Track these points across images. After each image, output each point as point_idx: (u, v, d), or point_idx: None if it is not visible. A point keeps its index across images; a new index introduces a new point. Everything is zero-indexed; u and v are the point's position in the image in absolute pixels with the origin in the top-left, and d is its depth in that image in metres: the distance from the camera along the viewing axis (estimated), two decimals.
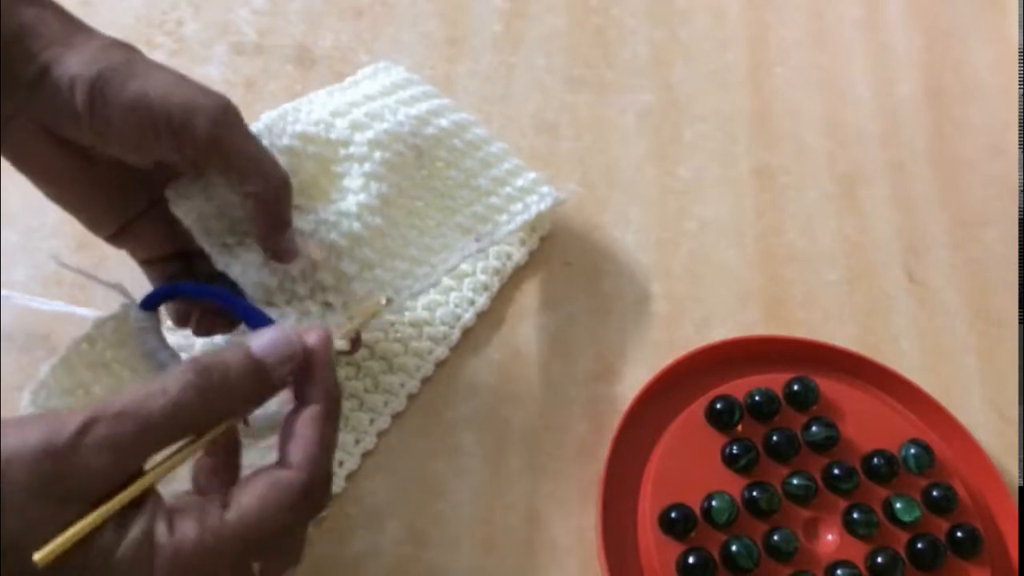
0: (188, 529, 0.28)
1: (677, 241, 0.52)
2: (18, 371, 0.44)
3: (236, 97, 0.54)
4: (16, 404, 0.36)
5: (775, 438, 0.43)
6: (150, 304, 0.38)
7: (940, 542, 0.40)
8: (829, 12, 0.63)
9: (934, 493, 0.42)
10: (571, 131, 0.56)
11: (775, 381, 0.44)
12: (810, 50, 0.61)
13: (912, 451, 0.43)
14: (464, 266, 0.49)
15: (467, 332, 0.48)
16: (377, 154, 0.42)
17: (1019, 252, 0.52)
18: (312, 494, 0.30)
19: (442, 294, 0.48)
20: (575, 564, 0.42)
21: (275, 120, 0.40)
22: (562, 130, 0.56)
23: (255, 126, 0.39)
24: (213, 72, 0.56)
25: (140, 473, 0.28)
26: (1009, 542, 0.42)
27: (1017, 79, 0.60)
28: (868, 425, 0.44)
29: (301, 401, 0.32)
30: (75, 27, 0.36)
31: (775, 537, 0.40)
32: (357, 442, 0.44)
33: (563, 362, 0.47)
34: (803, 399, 0.44)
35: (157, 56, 0.56)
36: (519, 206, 0.48)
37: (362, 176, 0.41)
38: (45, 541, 0.25)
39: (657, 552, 0.40)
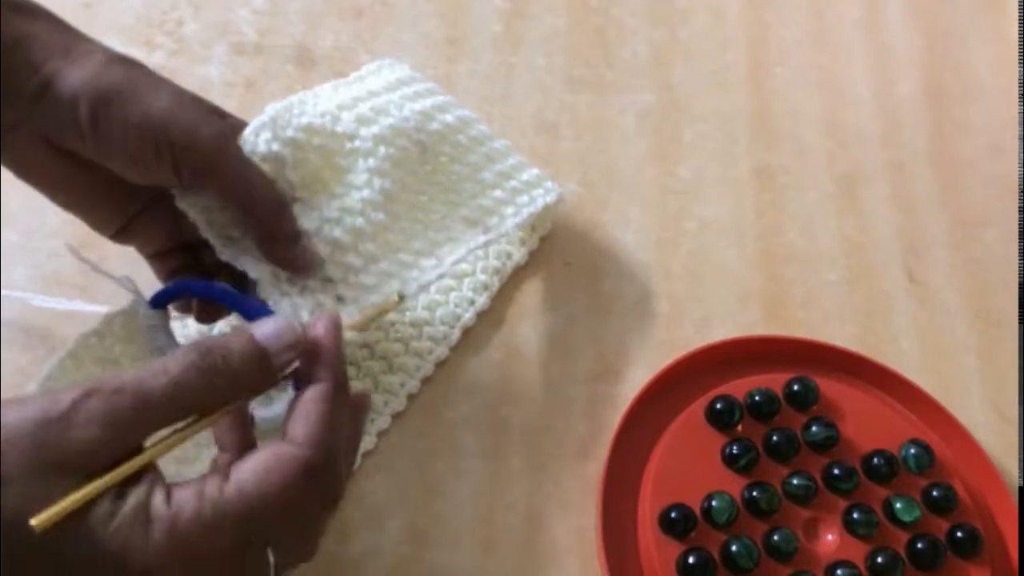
0: (186, 501, 0.27)
1: (677, 241, 0.52)
2: (18, 371, 0.44)
3: (236, 97, 0.55)
4: None
5: (775, 438, 0.43)
6: (159, 302, 0.38)
7: (940, 542, 0.40)
8: (829, 12, 0.63)
9: (934, 493, 0.42)
10: (571, 131, 0.56)
11: (775, 381, 0.44)
12: (810, 50, 0.61)
13: (912, 451, 0.43)
14: (464, 265, 0.49)
15: (467, 332, 0.48)
16: (382, 149, 0.42)
17: (1019, 252, 0.52)
18: (315, 471, 0.29)
19: (442, 294, 0.48)
20: (575, 564, 0.42)
21: (280, 112, 0.40)
22: (562, 130, 0.56)
23: (260, 118, 0.39)
24: (213, 72, 0.56)
25: (139, 450, 0.28)
26: (1009, 542, 0.42)
27: (1017, 79, 0.60)
28: (868, 425, 0.44)
29: (307, 382, 0.31)
30: (73, 37, 0.36)
31: (775, 537, 0.40)
32: None
33: (563, 362, 0.47)
34: (803, 399, 0.44)
35: (157, 56, 0.56)
36: (525, 198, 0.47)
37: (366, 172, 0.41)
38: (41, 512, 0.25)
39: (657, 552, 0.40)
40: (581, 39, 0.60)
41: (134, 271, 0.41)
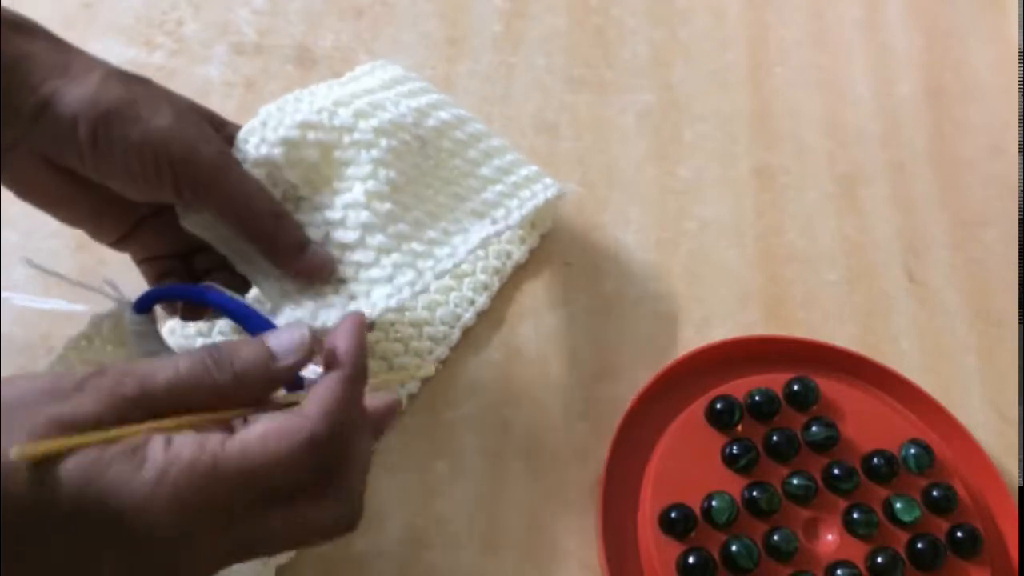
0: (184, 447, 0.27)
1: (677, 241, 0.52)
2: (18, 371, 0.44)
3: (236, 97, 0.55)
4: None
5: (775, 438, 0.43)
6: (143, 307, 0.38)
7: (940, 542, 0.40)
8: (829, 12, 0.63)
9: (934, 493, 0.42)
10: (571, 131, 0.56)
11: (775, 381, 0.44)
12: (810, 50, 0.61)
13: (912, 451, 0.43)
14: (464, 266, 0.49)
15: (467, 332, 0.48)
16: (383, 141, 0.41)
17: (1019, 252, 0.52)
18: (317, 445, 0.29)
19: (442, 294, 0.48)
20: (575, 564, 0.42)
21: (272, 113, 0.40)
22: (562, 130, 0.56)
23: (251, 122, 0.39)
24: (213, 72, 0.56)
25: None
26: (1009, 542, 0.42)
27: (1017, 79, 0.60)
28: (868, 425, 0.44)
29: (327, 368, 0.32)
30: (71, 55, 0.36)
31: (775, 537, 0.40)
32: None
33: (563, 362, 0.47)
34: (803, 399, 0.44)
35: (157, 56, 0.57)
36: (527, 192, 0.47)
37: (370, 162, 0.40)
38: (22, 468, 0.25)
39: (657, 552, 0.40)
40: (581, 39, 0.60)
41: (131, 275, 0.41)
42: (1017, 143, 0.57)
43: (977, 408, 0.47)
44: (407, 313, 0.47)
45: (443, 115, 0.46)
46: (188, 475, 0.27)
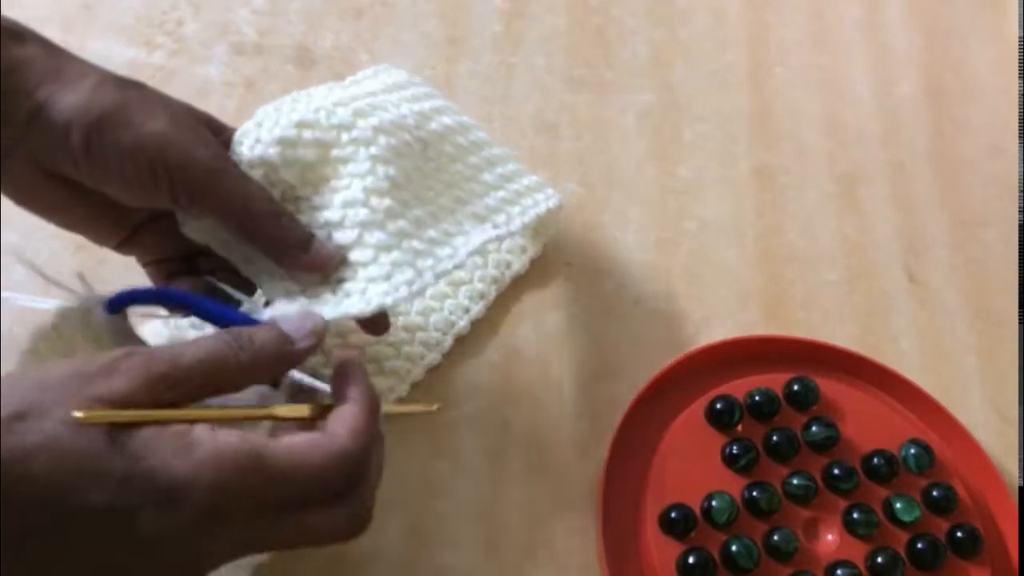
0: (230, 436, 0.29)
1: (677, 241, 0.52)
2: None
3: (236, 97, 0.55)
4: None
5: (775, 438, 0.43)
6: (115, 308, 0.37)
7: (940, 542, 0.40)
8: (829, 12, 0.63)
9: (934, 493, 0.42)
10: (571, 131, 0.56)
11: (775, 381, 0.44)
12: (810, 50, 0.61)
13: (912, 451, 0.43)
14: (461, 273, 0.48)
15: (468, 332, 0.48)
16: (382, 139, 0.40)
17: (1019, 252, 0.52)
18: (350, 461, 0.31)
19: (437, 300, 0.48)
20: (575, 564, 0.42)
21: (268, 114, 0.39)
22: (562, 130, 0.56)
23: (246, 124, 0.39)
24: (213, 72, 0.56)
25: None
26: (1009, 542, 0.42)
27: (1017, 79, 0.60)
28: (868, 425, 0.44)
29: (341, 399, 0.34)
30: (65, 61, 0.36)
31: (775, 537, 0.40)
32: None
33: (563, 362, 0.47)
34: (803, 399, 0.44)
35: (157, 56, 0.57)
36: (529, 200, 0.47)
37: (369, 159, 0.40)
38: (80, 439, 0.27)
39: (657, 552, 0.40)
40: (581, 39, 0.60)
41: (132, 275, 0.40)
42: (1017, 143, 0.57)
43: (977, 408, 0.47)
44: (401, 318, 0.47)
45: (446, 120, 0.45)
46: (232, 462, 0.29)
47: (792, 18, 0.62)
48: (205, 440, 0.29)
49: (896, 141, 0.57)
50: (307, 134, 0.39)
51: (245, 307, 0.39)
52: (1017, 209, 0.54)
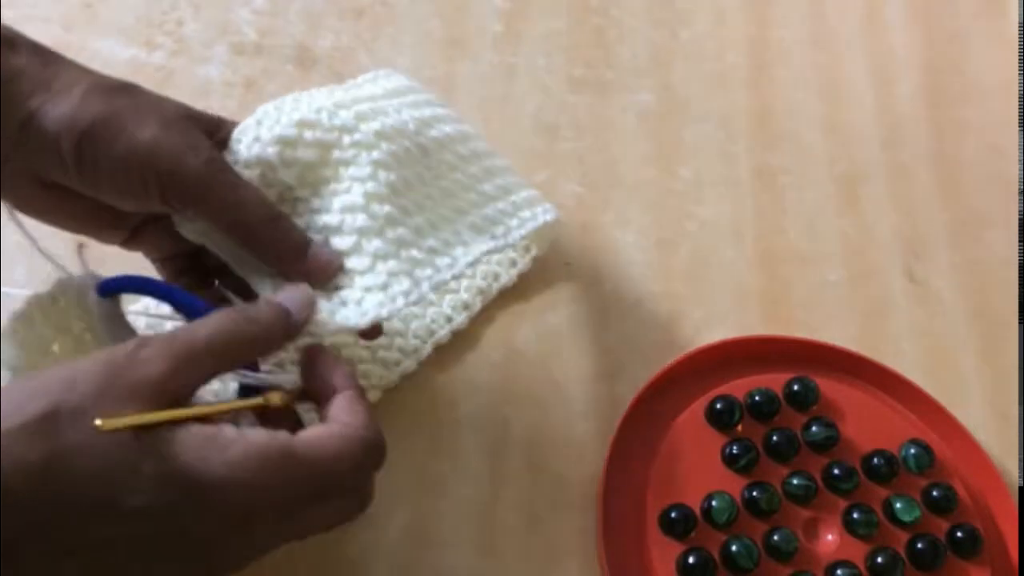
0: (257, 435, 0.30)
1: (677, 241, 0.52)
2: None
3: (236, 97, 0.55)
4: None
5: (775, 438, 0.43)
6: (105, 291, 0.37)
7: (940, 542, 0.40)
8: (829, 12, 0.63)
9: (934, 493, 0.42)
10: (571, 131, 0.56)
11: (775, 381, 0.44)
12: (810, 50, 0.61)
13: (912, 451, 0.43)
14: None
15: (467, 332, 0.48)
16: (384, 144, 0.40)
17: (1019, 252, 0.52)
18: (371, 448, 0.32)
19: (420, 307, 0.47)
20: (575, 564, 0.42)
21: (268, 112, 0.39)
22: (562, 130, 0.56)
23: (246, 122, 0.39)
24: (213, 72, 0.56)
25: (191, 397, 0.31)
26: (1009, 542, 0.42)
27: (1017, 79, 0.60)
28: (868, 425, 0.44)
29: (329, 392, 0.34)
30: (55, 68, 0.35)
31: (775, 537, 0.40)
32: None
33: (563, 362, 0.47)
34: (803, 399, 0.44)
35: (157, 56, 0.57)
36: (527, 213, 0.47)
37: (370, 164, 0.39)
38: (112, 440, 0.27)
39: (657, 552, 0.40)
40: (581, 39, 0.60)
41: (132, 271, 0.40)
42: (1017, 143, 0.57)
43: (977, 408, 0.47)
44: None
45: (447, 128, 0.45)
46: (264, 460, 0.29)
47: (792, 18, 0.62)
48: (236, 439, 0.29)
49: (896, 141, 0.57)
50: (308, 134, 0.39)
51: None
52: (1017, 209, 0.54)
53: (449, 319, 0.47)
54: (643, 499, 0.42)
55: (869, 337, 0.49)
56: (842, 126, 0.58)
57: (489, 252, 0.43)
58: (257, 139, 0.38)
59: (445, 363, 0.47)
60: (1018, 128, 0.57)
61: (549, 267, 0.50)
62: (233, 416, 0.32)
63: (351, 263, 0.38)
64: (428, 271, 0.39)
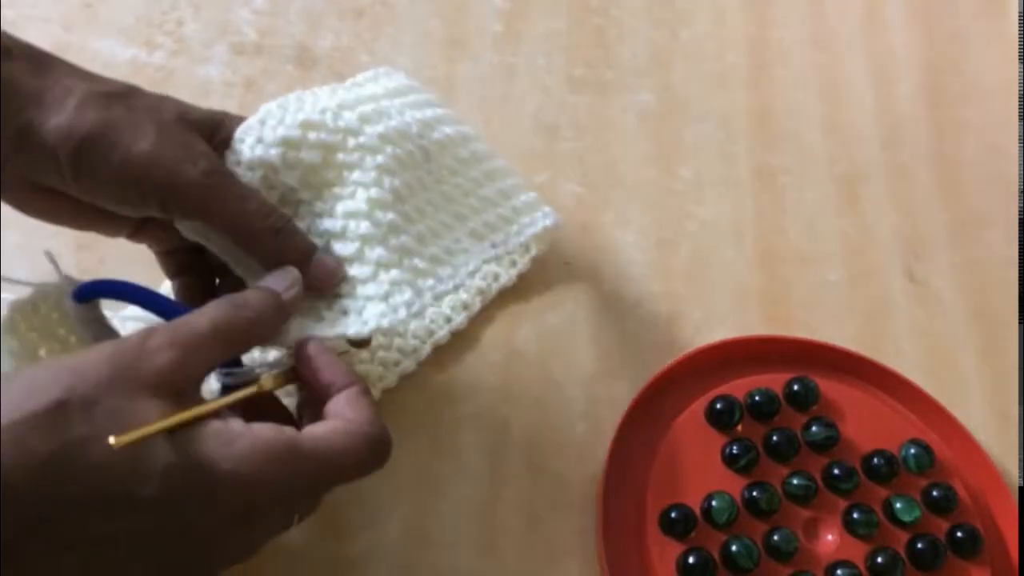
0: (263, 429, 0.30)
1: (677, 241, 0.52)
2: None
3: (236, 97, 0.55)
4: None
5: (775, 438, 0.43)
6: (82, 296, 0.36)
7: (940, 542, 0.40)
8: (829, 12, 0.63)
9: (934, 493, 0.42)
10: (571, 131, 0.56)
11: (775, 381, 0.44)
12: (810, 50, 0.61)
13: (912, 451, 0.43)
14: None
15: (466, 333, 0.48)
16: (388, 148, 0.40)
17: (1019, 252, 0.52)
18: (378, 444, 0.33)
19: None
20: (575, 564, 0.42)
21: (272, 112, 0.39)
22: (562, 130, 0.56)
23: (248, 121, 0.38)
24: (213, 72, 0.56)
25: (199, 393, 0.32)
26: (1009, 542, 0.42)
27: (1017, 79, 0.60)
28: (868, 425, 0.44)
29: (331, 388, 0.34)
30: (48, 78, 0.35)
31: (775, 537, 0.40)
32: None
33: (563, 362, 0.47)
34: (803, 399, 0.44)
35: (157, 56, 0.56)
36: (527, 219, 0.47)
37: (375, 168, 0.39)
38: (122, 431, 0.27)
39: (657, 552, 0.40)
40: (581, 39, 0.60)
41: (132, 275, 0.40)
42: (1017, 143, 0.57)
43: (977, 408, 0.47)
44: None
45: (448, 130, 0.45)
46: (270, 456, 0.30)
47: (792, 18, 0.62)
48: (243, 434, 0.30)
49: (896, 141, 0.57)
50: (312, 135, 0.39)
51: None
52: (1017, 209, 0.54)
53: (448, 319, 0.47)
54: (643, 499, 0.42)
55: (869, 337, 0.49)
56: (842, 126, 0.58)
57: (488, 260, 0.43)
58: (260, 140, 0.38)
59: (445, 363, 0.47)
60: (1018, 128, 0.57)
61: (549, 267, 0.50)
62: (225, 411, 0.32)
63: (353, 271, 0.38)
64: (430, 281, 0.39)
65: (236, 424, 0.30)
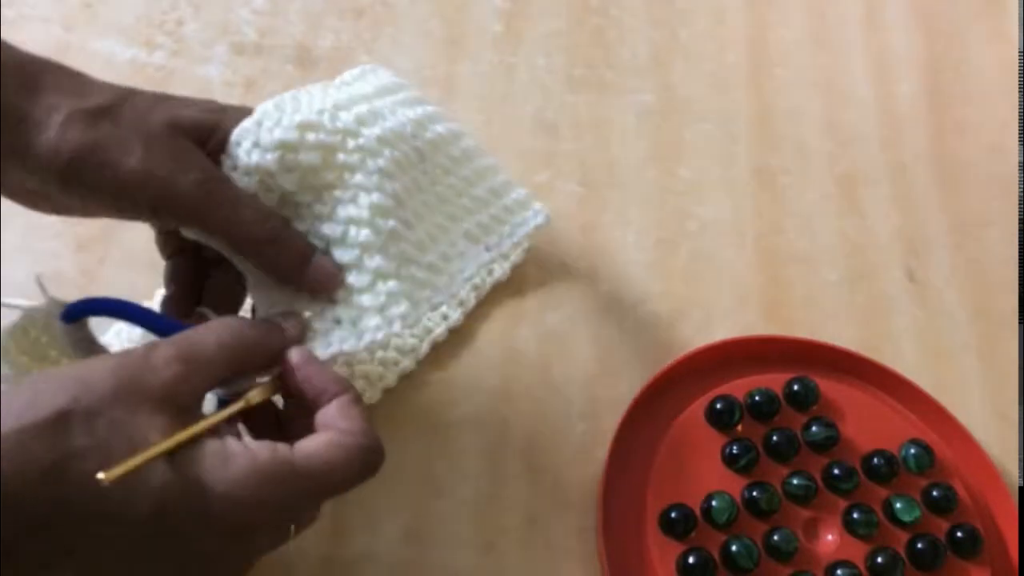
0: (261, 449, 0.30)
1: (677, 241, 0.52)
2: None
3: (236, 97, 0.55)
4: None
5: (775, 438, 0.43)
6: (70, 317, 0.36)
7: (940, 542, 0.40)
8: (829, 12, 0.63)
9: (934, 493, 0.42)
10: (571, 131, 0.56)
11: (775, 381, 0.44)
12: (810, 50, 0.61)
13: (912, 451, 0.43)
14: None
15: (466, 333, 0.48)
16: (387, 151, 0.39)
17: (1019, 252, 0.52)
18: (372, 454, 0.32)
19: None
20: (575, 564, 0.42)
21: (268, 112, 0.38)
22: (562, 130, 0.56)
23: (244, 124, 0.37)
24: (213, 72, 0.56)
25: (200, 409, 0.32)
26: (1009, 542, 0.42)
27: (1017, 79, 0.60)
28: (868, 425, 0.44)
29: (322, 397, 0.34)
30: (35, 95, 0.34)
31: (775, 537, 0.40)
32: None
33: (563, 362, 0.47)
34: (803, 399, 0.44)
35: (157, 56, 0.56)
36: (518, 219, 0.46)
37: (377, 172, 0.38)
38: (128, 440, 0.28)
39: (657, 552, 0.40)
40: (581, 39, 0.60)
41: (132, 273, 0.40)
42: (1017, 143, 0.57)
43: (977, 408, 0.47)
44: None
45: (439, 128, 0.44)
46: (266, 475, 0.29)
47: (792, 18, 0.62)
48: (241, 454, 0.30)
49: (896, 141, 0.57)
50: (310, 136, 0.38)
51: None
52: (1017, 209, 0.54)
53: (445, 316, 0.47)
54: (643, 499, 0.42)
55: (869, 337, 0.49)
56: (842, 126, 0.58)
57: (483, 265, 0.43)
58: (257, 144, 0.37)
59: (444, 363, 0.47)
60: (1018, 128, 0.57)
61: (549, 267, 0.50)
62: (223, 427, 0.31)
63: (351, 278, 0.38)
64: (427, 292, 0.39)
65: (232, 444, 0.30)
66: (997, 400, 0.48)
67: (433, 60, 0.58)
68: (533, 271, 0.50)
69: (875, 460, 0.42)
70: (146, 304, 0.37)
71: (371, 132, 0.39)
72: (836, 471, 0.42)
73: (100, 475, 0.26)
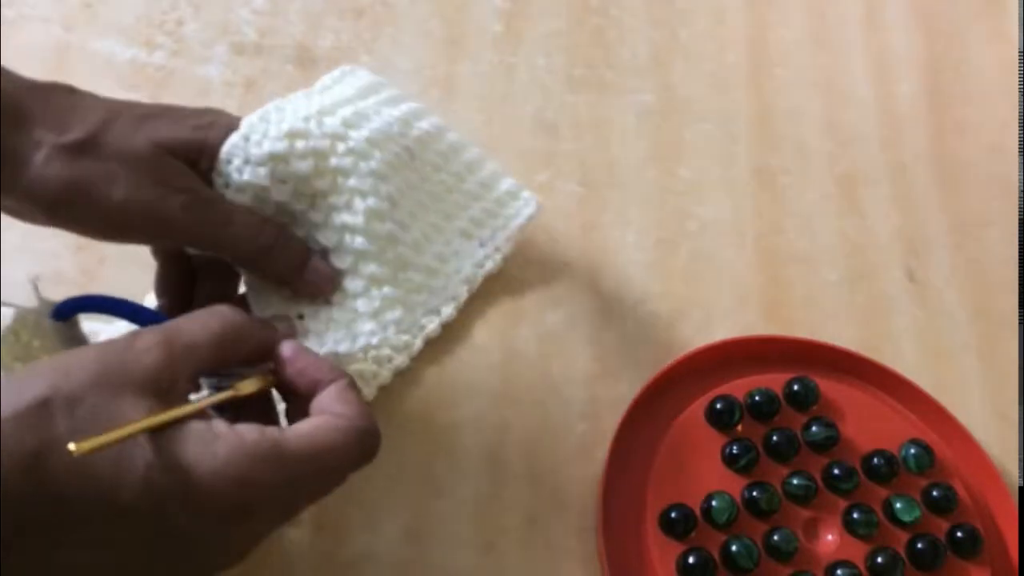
0: (248, 431, 0.30)
1: (677, 241, 0.52)
2: None
3: (236, 97, 0.55)
4: None
5: (775, 438, 0.43)
6: (61, 315, 0.36)
7: (940, 542, 0.40)
8: (829, 12, 0.63)
9: (934, 493, 0.42)
10: (571, 131, 0.56)
11: (775, 381, 0.44)
12: (810, 50, 0.61)
13: (912, 451, 0.43)
14: None
15: (466, 333, 0.48)
16: (377, 153, 0.39)
17: (1019, 252, 0.52)
18: (368, 437, 0.32)
19: None
20: (575, 564, 0.42)
21: (255, 125, 0.38)
22: (562, 130, 0.56)
23: (231, 139, 0.37)
24: (213, 72, 0.56)
25: (187, 395, 0.31)
26: (1009, 542, 0.42)
27: (1017, 79, 0.60)
28: (868, 425, 0.44)
29: (316, 384, 0.33)
30: (21, 131, 0.34)
31: (775, 537, 0.40)
32: None
33: (563, 363, 0.47)
34: (803, 399, 0.44)
35: (157, 56, 0.56)
36: (510, 210, 0.47)
37: (370, 175, 0.38)
38: (111, 425, 0.27)
39: (657, 552, 0.40)
40: (581, 39, 0.60)
41: (131, 274, 0.40)
42: (1017, 143, 0.57)
43: (977, 408, 0.47)
44: None
45: (424, 125, 0.44)
46: (254, 457, 0.29)
47: (792, 18, 0.62)
48: (226, 435, 0.29)
49: (896, 141, 0.57)
50: (300, 144, 0.38)
51: None
52: (1017, 209, 0.54)
53: (437, 311, 0.47)
54: (643, 499, 0.42)
55: (869, 337, 0.49)
56: (842, 126, 0.58)
57: (477, 263, 0.43)
58: (247, 160, 0.37)
59: (444, 364, 0.47)
60: (1018, 128, 0.57)
61: (549, 267, 0.50)
62: (211, 412, 0.31)
63: (346, 283, 0.38)
64: (423, 296, 0.40)
65: (219, 425, 0.29)
66: (997, 400, 0.48)
67: (433, 60, 0.58)
68: (533, 271, 0.50)
69: (875, 460, 0.42)
70: (144, 302, 0.37)
71: (359, 134, 0.39)
72: (836, 471, 0.42)
73: (71, 445, 0.26)
